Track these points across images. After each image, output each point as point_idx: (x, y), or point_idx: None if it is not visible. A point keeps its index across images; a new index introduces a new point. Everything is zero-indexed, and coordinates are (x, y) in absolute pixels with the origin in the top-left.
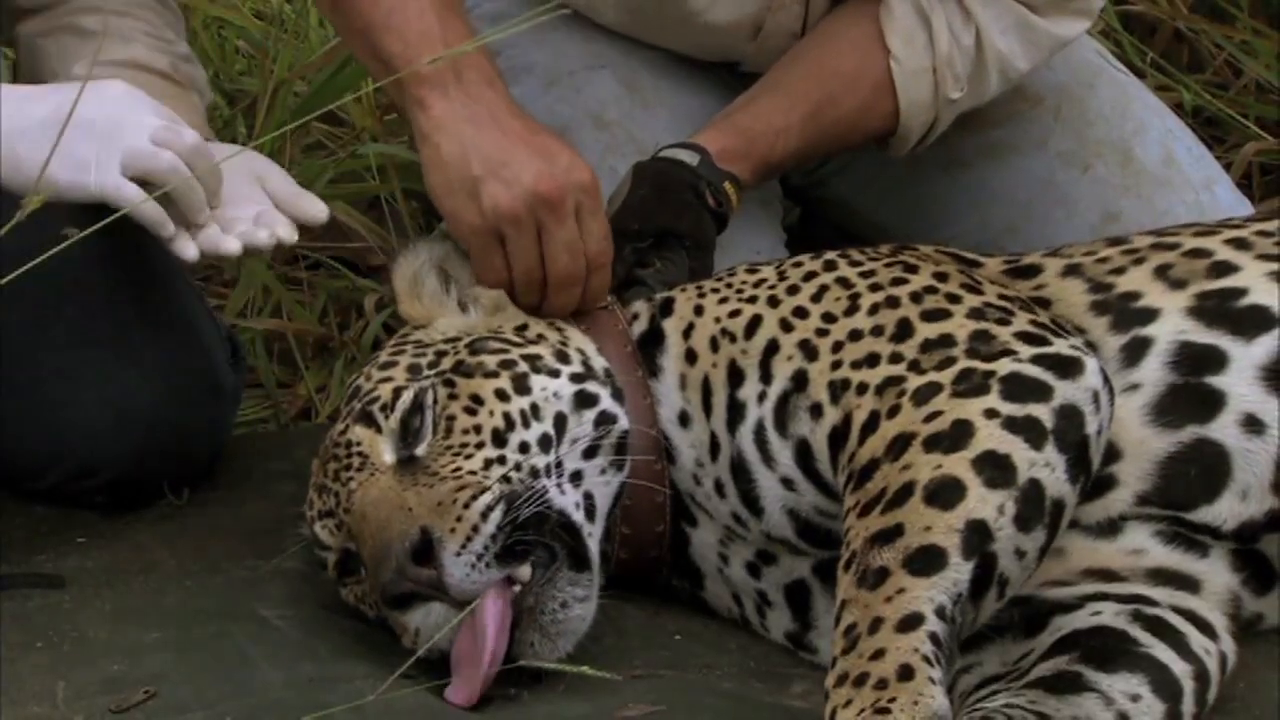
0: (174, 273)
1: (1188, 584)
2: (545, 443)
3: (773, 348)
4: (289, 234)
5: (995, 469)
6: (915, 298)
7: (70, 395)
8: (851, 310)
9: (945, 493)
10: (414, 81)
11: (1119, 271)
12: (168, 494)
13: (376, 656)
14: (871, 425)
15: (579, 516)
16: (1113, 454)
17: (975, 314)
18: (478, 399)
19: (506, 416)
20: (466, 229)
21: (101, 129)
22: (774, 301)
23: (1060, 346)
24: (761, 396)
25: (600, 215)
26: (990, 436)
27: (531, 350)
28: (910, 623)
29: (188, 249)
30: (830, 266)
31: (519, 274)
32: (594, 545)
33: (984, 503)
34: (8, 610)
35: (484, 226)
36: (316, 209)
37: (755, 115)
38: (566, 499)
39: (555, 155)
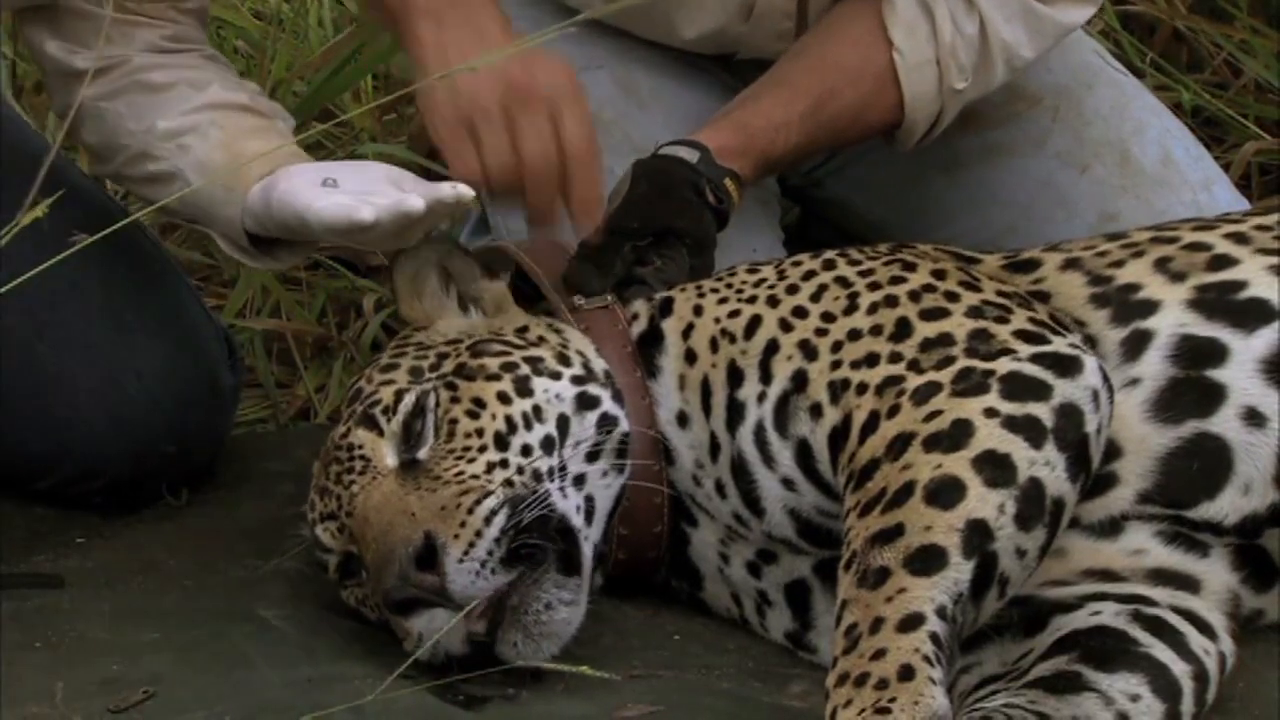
0: (171, 274)
1: (1188, 584)
2: (548, 445)
3: (772, 348)
4: (467, 190)
5: (995, 468)
6: (914, 296)
7: (69, 398)
8: (851, 309)
9: (945, 492)
10: (410, 14)
11: (1118, 265)
12: (166, 495)
13: (375, 657)
14: (871, 425)
15: (579, 521)
16: (1113, 451)
17: (974, 312)
18: (480, 402)
19: (509, 419)
20: (438, 120)
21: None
22: (773, 301)
23: (1059, 345)
24: (761, 397)
25: (580, 110)
26: (990, 436)
27: (533, 352)
28: (911, 622)
29: (412, 201)
30: (829, 266)
31: (491, 166)
32: (588, 549)
33: (984, 502)
34: (7, 610)
35: (454, 115)
36: (462, 190)
37: (755, 111)
38: (569, 503)
39: (534, 56)
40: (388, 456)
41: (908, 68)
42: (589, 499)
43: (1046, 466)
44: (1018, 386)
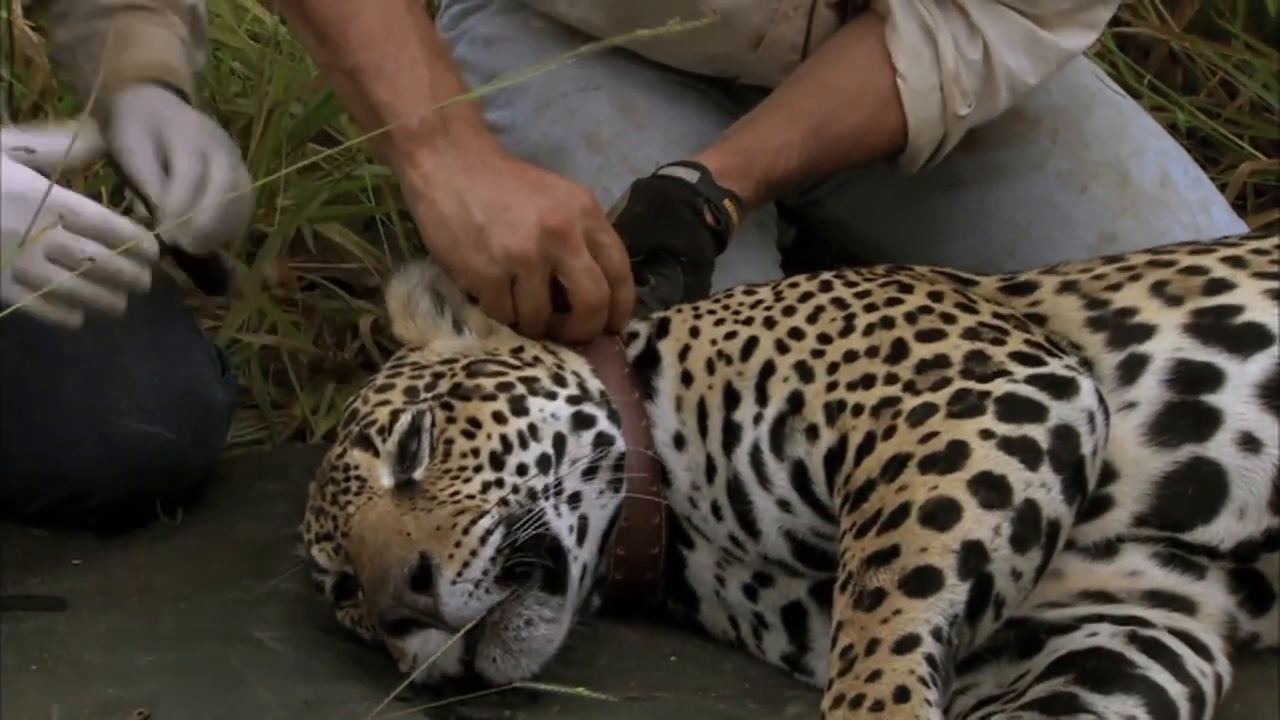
0: (161, 291)
1: (1184, 606)
2: (544, 463)
3: (768, 369)
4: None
5: (991, 490)
6: (910, 318)
7: (59, 418)
8: (847, 331)
9: (941, 514)
10: (402, 136)
11: (1115, 288)
12: (161, 515)
13: (372, 679)
14: (867, 446)
15: (570, 541)
16: (1109, 474)
17: (970, 334)
18: (475, 422)
19: (504, 439)
20: (478, 279)
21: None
22: (770, 323)
23: (1055, 367)
24: (757, 418)
25: (610, 232)
26: (986, 457)
27: (528, 373)
28: (907, 644)
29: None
30: (826, 287)
31: (526, 314)
32: (576, 570)
33: (980, 523)
34: (3, 632)
35: (497, 273)
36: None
37: (756, 133)
38: (562, 522)
39: (552, 187)
40: (383, 477)
41: (911, 93)
42: (583, 518)
43: (1042, 488)
44: (1014, 408)
